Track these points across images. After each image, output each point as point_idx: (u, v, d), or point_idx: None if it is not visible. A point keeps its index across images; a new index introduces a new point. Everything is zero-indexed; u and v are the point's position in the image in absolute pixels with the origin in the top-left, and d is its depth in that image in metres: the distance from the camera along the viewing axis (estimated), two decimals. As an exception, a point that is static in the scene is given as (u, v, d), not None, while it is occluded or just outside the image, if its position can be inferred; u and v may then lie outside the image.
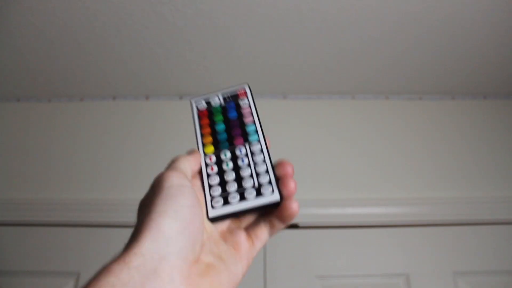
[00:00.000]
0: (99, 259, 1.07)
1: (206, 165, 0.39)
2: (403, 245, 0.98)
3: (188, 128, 1.12)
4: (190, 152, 0.40)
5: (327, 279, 0.94)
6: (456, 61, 1.04)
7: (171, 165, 0.35)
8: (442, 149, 1.10)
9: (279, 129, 1.11)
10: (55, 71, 1.07)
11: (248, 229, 0.37)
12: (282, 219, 0.35)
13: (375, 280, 0.95)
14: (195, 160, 0.38)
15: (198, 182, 0.38)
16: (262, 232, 0.36)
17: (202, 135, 0.42)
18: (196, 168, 0.38)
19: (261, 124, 0.41)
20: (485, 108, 1.16)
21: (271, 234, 0.37)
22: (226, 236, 0.35)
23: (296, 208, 0.34)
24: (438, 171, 1.06)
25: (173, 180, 0.31)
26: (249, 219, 0.38)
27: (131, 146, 1.10)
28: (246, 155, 0.39)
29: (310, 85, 1.14)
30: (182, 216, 0.29)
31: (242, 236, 0.35)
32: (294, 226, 0.98)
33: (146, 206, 0.30)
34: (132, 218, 1.07)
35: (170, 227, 0.27)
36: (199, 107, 0.44)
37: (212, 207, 0.35)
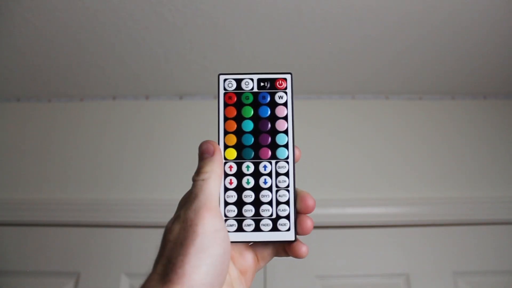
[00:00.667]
0: (99, 259, 1.08)
1: (225, 174, 0.35)
2: (403, 245, 0.98)
3: (188, 128, 1.12)
4: (214, 155, 0.35)
5: (327, 279, 0.94)
6: (456, 61, 1.04)
7: (204, 190, 0.32)
8: (442, 149, 1.10)
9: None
10: (55, 71, 1.07)
11: (256, 248, 0.37)
12: (289, 254, 0.35)
13: (375, 280, 0.95)
14: (223, 171, 0.35)
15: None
16: (269, 254, 0.37)
17: (225, 132, 0.36)
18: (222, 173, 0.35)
19: (294, 133, 0.36)
20: (485, 108, 1.16)
21: (276, 256, 0.37)
22: (234, 257, 0.36)
23: (305, 253, 0.34)
24: (438, 171, 1.06)
25: (209, 226, 0.30)
26: None
27: (131, 146, 1.10)
28: (270, 175, 0.35)
29: (310, 85, 1.14)
30: (215, 268, 0.29)
31: (250, 258, 0.36)
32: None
33: (180, 245, 0.30)
34: (131, 218, 1.07)
35: (203, 283, 0.28)
36: (227, 87, 0.37)
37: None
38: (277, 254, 0.37)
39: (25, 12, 0.87)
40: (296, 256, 0.34)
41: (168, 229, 0.32)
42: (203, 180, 0.33)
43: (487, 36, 0.95)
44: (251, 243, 0.36)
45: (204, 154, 0.35)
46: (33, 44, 0.97)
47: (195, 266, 0.28)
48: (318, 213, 1.00)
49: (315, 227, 1.10)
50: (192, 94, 1.17)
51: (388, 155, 1.09)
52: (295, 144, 0.36)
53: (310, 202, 0.34)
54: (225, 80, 0.37)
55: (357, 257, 0.96)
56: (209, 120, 1.10)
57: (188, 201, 0.32)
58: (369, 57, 1.03)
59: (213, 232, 0.30)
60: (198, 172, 0.34)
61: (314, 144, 1.10)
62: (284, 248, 0.36)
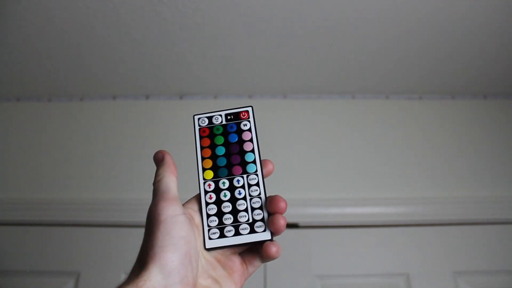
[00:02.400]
0: (99, 259, 1.07)
1: (205, 191, 0.41)
2: (403, 245, 0.98)
3: (188, 128, 1.12)
4: (163, 160, 0.41)
5: (327, 279, 0.94)
6: (456, 61, 1.04)
7: (160, 188, 0.38)
8: (442, 149, 1.10)
9: (279, 129, 1.11)
10: (55, 71, 1.07)
11: (243, 254, 0.41)
12: (264, 257, 0.38)
13: (375, 280, 0.95)
14: (175, 169, 0.41)
15: (196, 205, 0.41)
16: (255, 259, 0.40)
17: (202, 158, 0.44)
18: (175, 169, 0.41)
19: (260, 151, 0.43)
20: (486, 108, 1.16)
21: (263, 261, 0.40)
22: (222, 261, 0.40)
23: (275, 253, 0.37)
24: (438, 171, 1.06)
25: (167, 213, 0.35)
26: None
27: (131, 146, 1.10)
28: (243, 187, 0.41)
29: (310, 85, 1.14)
30: (180, 248, 0.34)
31: (236, 262, 0.40)
32: (294, 226, 0.98)
33: (149, 235, 0.35)
34: (131, 218, 1.07)
35: (171, 260, 0.33)
36: (201, 123, 0.46)
37: (210, 238, 0.39)
38: (262, 259, 0.40)
39: (25, 12, 0.87)
40: (268, 255, 0.37)
41: (145, 229, 0.38)
42: (158, 181, 0.39)
43: (487, 36, 0.95)
44: (237, 249, 0.41)
45: (156, 162, 0.41)
46: (33, 44, 0.97)
47: (162, 246, 0.33)
48: (318, 213, 1.00)
49: (315, 227, 1.10)
50: (192, 94, 1.17)
51: (388, 155, 1.09)
52: (268, 159, 0.43)
53: (281, 204, 0.38)
54: (199, 118, 0.46)
55: (357, 257, 0.96)
56: (209, 120, 1.11)
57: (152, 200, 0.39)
58: (369, 57, 1.03)
59: (172, 217, 0.35)
60: (154, 176, 0.40)
61: (314, 144, 1.10)
62: (260, 252, 0.39)
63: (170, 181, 0.39)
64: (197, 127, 0.46)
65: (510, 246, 0.97)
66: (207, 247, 0.38)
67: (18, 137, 1.13)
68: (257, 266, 0.41)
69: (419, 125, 1.13)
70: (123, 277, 0.93)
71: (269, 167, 0.42)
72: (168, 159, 0.41)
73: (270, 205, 0.39)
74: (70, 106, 1.17)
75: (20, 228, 1.00)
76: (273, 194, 0.40)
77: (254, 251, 0.40)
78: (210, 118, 0.46)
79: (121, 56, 1.02)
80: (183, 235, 0.35)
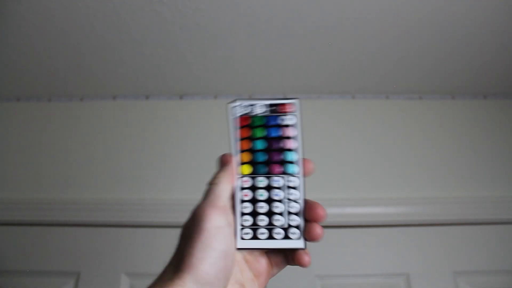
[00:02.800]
0: (99, 259, 1.07)
1: (241, 188, 0.39)
2: (403, 245, 0.98)
3: (188, 128, 1.12)
4: (225, 161, 0.39)
5: (327, 279, 0.94)
6: (456, 61, 1.04)
7: (213, 191, 0.37)
8: (442, 149, 1.10)
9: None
10: (55, 71, 1.07)
11: (270, 254, 0.40)
12: (293, 262, 0.38)
13: (375, 280, 0.95)
14: (234, 178, 0.39)
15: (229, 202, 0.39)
16: (282, 262, 0.40)
17: (240, 151, 0.40)
18: (233, 185, 0.39)
19: (303, 150, 0.40)
20: (485, 108, 1.16)
21: (288, 264, 0.40)
22: (250, 262, 0.39)
23: (307, 263, 0.37)
24: (438, 171, 1.06)
25: (213, 222, 0.34)
26: None
27: (131, 146, 1.10)
28: (281, 188, 0.39)
29: (310, 85, 1.14)
30: (218, 262, 0.33)
31: (264, 263, 0.39)
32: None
33: (189, 240, 0.34)
34: (132, 218, 1.07)
35: (207, 273, 0.32)
36: (240, 111, 0.41)
37: (242, 238, 0.38)
38: (288, 262, 0.40)
39: (25, 12, 0.87)
40: (300, 264, 0.37)
41: (183, 226, 0.37)
42: (214, 183, 0.38)
43: (487, 36, 0.95)
44: (266, 250, 0.39)
45: (221, 163, 0.40)
46: (33, 44, 0.97)
47: (201, 258, 0.32)
48: (318, 213, 1.00)
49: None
50: (192, 94, 1.17)
51: (388, 155, 1.09)
52: (307, 159, 0.40)
53: (320, 212, 0.37)
54: (239, 105, 0.41)
55: (357, 257, 0.96)
56: (209, 120, 1.11)
57: (200, 201, 0.37)
58: (369, 57, 1.03)
59: (216, 228, 0.34)
60: (213, 178, 0.38)
61: (314, 144, 1.10)
62: (293, 257, 0.39)
63: (226, 189, 0.38)
64: (236, 114, 0.41)
65: (510, 246, 0.97)
66: (238, 247, 0.37)
67: (18, 137, 1.13)
68: (282, 268, 0.40)
69: (419, 125, 1.13)
70: (123, 277, 0.93)
71: (310, 166, 0.40)
72: (232, 166, 0.39)
73: (308, 212, 0.38)
74: (70, 106, 1.17)
75: (20, 228, 1.00)
76: (311, 200, 0.39)
77: (282, 253, 0.40)
78: (252, 106, 0.41)
79: (121, 56, 1.02)
80: (224, 249, 0.34)
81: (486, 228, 0.99)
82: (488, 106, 1.16)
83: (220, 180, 0.38)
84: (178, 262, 0.33)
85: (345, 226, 0.99)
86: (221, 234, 0.34)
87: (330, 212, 1.01)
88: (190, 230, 0.34)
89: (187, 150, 1.06)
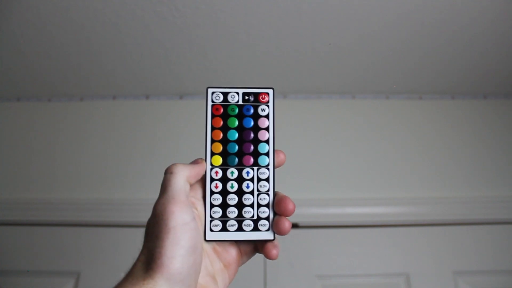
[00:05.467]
0: (99, 259, 1.07)
1: (211, 179, 0.39)
2: (403, 245, 0.98)
3: (188, 128, 1.12)
4: (195, 162, 0.39)
5: (327, 279, 0.94)
6: (456, 61, 1.04)
7: (170, 184, 0.35)
8: (442, 149, 1.10)
9: (279, 128, 1.11)
10: (55, 71, 1.07)
11: (240, 244, 0.40)
12: (262, 253, 0.38)
13: (375, 280, 0.95)
14: (198, 172, 0.38)
15: (199, 192, 0.39)
16: (251, 251, 0.40)
17: (212, 141, 0.39)
18: (196, 179, 0.38)
19: (275, 142, 0.39)
20: (485, 108, 1.16)
21: (258, 252, 0.40)
22: (219, 252, 0.39)
23: (275, 256, 0.37)
24: (438, 171, 1.06)
25: (178, 219, 0.34)
26: None
27: (131, 146, 1.10)
28: (252, 180, 0.39)
29: (310, 85, 1.14)
30: (188, 259, 0.33)
31: (233, 253, 0.39)
32: (294, 226, 0.98)
33: (156, 239, 0.33)
34: (132, 218, 1.07)
35: (179, 272, 0.32)
36: (214, 99, 0.40)
37: (211, 229, 0.37)
38: (258, 251, 0.40)
39: (25, 12, 0.87)
40: (267, 256, 0.37)
41: (147, 223, 0.36)
42: (171, 173, 0.36)
43: (487, 35, 0.95)
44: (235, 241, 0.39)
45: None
46: (33, 44, 0.97)
47: (171, 257, 0.32)
48: (318, 213, 1.00)
49: (315, 227, 1.10)
50: (192, 94, 1.17)
51: (388, 155, 1.09)
52: (279, 149, 0.40)
53: (289, 206, 0.37)
54: (213, 93, 0.40)
55: (357, 257, 0.96)
56: (209, 120, 1.11)
57: (159, 195, 0.36)
58: (369, 56, 1.03)
59: (182, 225, 0.34)
60: (170, 166, 0.37)
61: (314, 144, 1.10)
62: (261, 248, 0.39)
63: (184, 179, 0.36)
64: (209, 103, 0.40)
65: (510, 246, 0.97)
66: (207, 238, 0.37)
67: (18, 137, 1.13)
68: (251, 256, 0.41)
69: (419, 125, 1.13)
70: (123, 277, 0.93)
71: (280, 157, 0.40)
72: (199, 163, 0.38)
73: (278, 206, 0.38)
74: (70, 106, 1.17)
75: (20, 228, 1.00)
76: (281, 193, 0.39)
77: (251, 243, 0.40)
78: (225, 95, 0.40)
79: (121, 56, 1.02)
80: (193, 244, 0.34)
81: (486, 228, 0.99)
82: (488, 106, 1.16)
83: (178, 171, 0.36)
84: (148, 261, 0.33)
85: (345, 226, 0.99)
86: (188, 231, 0.34)
87: (330, 212, 1.02)
88: (157, 229, 0.34)
89: (187, 150, 1.06)
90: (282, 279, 0.93)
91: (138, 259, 0.34)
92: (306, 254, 0.96)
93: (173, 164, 0.37)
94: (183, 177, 0.36)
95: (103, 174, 1.06)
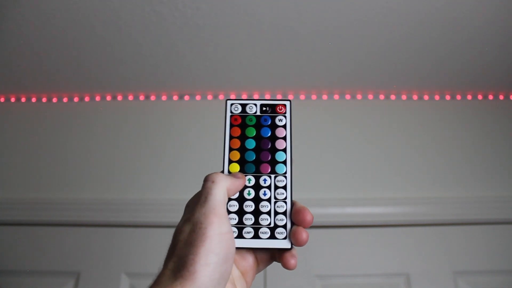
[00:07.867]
0: (99, 259, 1.07)
1: None
2: (403, 245, 0.98)
3: (188, 128, 1.12)
4: (235, 176, 0.39)
5: (327, 278, 0.94)
6: (456, 61, 1.04)
7: (212, 195, 0.35)
8: (442, 149, 1.10)
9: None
10: (55, 71, 1.07)
11: (256, 252, 0.40)
12: (280, 262, 0.38)
13: (375, 280, 0.95)
14: (238, 186, 0.38)
15: None
16: (268, 259, 0.40)
17: (230, 149, 0.40)
18: (235, 193, 0.38)
19: (292, 151, 0.41)
20: (485, 108, 1.16)
21: (275, 261, 0.40)
22: (237, 260, 0.39)
23: (293, 266, 0.37)
24: (438, 171, 1.06)
25: (217, 229, 0.34)
26: None
27: (130, 146, 1.10)
28: (269, 187, 0.39)
29: (310, 85, 1.14)
30: (220, 267, 0.33)
31: (250, 261, 0.39)
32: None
33: (191, 245, 0.33)
34: (130, 217, 1.07)
35: (210, 279, 0.32)
36: (233, 110, 0.42)
37: None
38: (275, 259, 0.40)
39: (25, 12, 0.87)
40: (285, 266, 0.37)
41: (178, 230, 0.35)
42: (213, 182, 0.36)
43: (487, 36, 0.95)
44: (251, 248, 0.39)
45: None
46: (33, 44, 0.97)
47: (204, 265, 0.32)
48: (318, 213, 1.00)
49: (315, 227, 1.09)
50: (192, 94, 1.17)
51: (388, 154, 1.09)
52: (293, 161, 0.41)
53: (308, 217, 0.37)
54: (231, 104, 0.42)
55: (357, 257, 0.96)
56: (209, 120, 1.11)
57: (198, 203, 0.36)
58: (369, 57, 1.03)
59: (219, 234, 0.34)
60: (212, 174, 0.37)
61: (314, 144, 1.10)
62: (279, 257, 0.38)
63: (224, 191, 0.36)
64: (228, 114, 0.42)
65: (510, 246, 0.97)
66: None
67: (18, 137, 1.13)
68: (268, 265, 0.41)
69: (419, 125, 1.13)
70: (123, 277, 0.93)
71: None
72: (238, 176, 0.38)
73: (296, 216, 0.38)
74: (70, 106, 1.17)
75: (20, 228, 1.00)
76: (299, 203, 0.39)
77: (268, 251, 0.40)
78: (244, 106, 0.42)
79: (121, 56, 1.02)
80: (226, 253, 0.34)
81: (486, 228, 0.99)
82: (488, 106, 1.16)
83: (219, 180, 0.36)
84: (178, 268, 0.32)
85: (345, 226, 0.99)
86: (224, 240, 0.34)
87: (330, 212, 1.02)
88: (192, 237, 0.34)
89: (187, 150, 1.06)
90: (282, 279, 0.93)
91: (166, 267, 0.34)
92: (306, 254, 0.96)
93: (215, 173, 0.37)
94: (223, 188, 0.36)
95: (103, 175, 1.06)
